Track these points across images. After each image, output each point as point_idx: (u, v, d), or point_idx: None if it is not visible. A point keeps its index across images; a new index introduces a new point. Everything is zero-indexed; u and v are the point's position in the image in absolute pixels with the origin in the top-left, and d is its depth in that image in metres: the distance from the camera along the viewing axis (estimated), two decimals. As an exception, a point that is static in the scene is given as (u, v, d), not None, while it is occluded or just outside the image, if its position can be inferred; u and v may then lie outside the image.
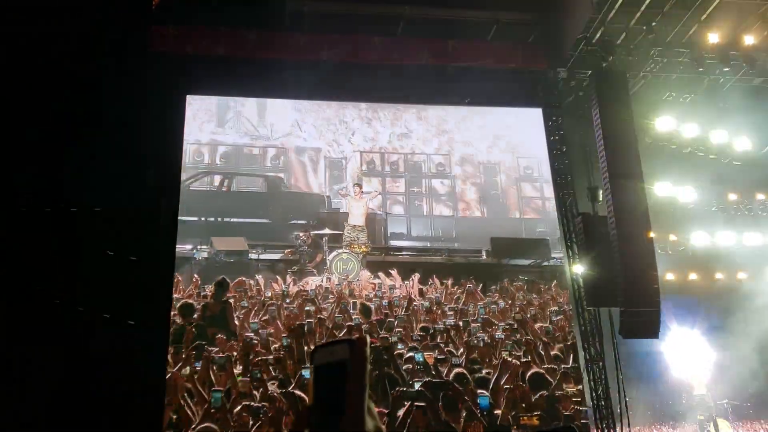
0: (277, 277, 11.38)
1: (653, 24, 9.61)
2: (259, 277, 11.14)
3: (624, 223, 9.16)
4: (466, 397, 7.79)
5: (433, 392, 7.50)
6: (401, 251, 14.03)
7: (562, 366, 9.56)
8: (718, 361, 11.09)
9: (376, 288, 11.39)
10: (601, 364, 9.55)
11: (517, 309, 10.85)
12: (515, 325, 10.30)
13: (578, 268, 9.81)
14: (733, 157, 11.12)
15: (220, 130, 14.51)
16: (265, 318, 10.05)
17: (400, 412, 7.52)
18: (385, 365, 8.17)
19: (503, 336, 9.85)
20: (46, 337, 8.02)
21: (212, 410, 7.82)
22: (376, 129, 15.34)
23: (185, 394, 8.22)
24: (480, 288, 11.63)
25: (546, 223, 13.32)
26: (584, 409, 9.15)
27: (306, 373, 8.41)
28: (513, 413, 8.02)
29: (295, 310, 10.29)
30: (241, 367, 8.89)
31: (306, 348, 9.09)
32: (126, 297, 8.31)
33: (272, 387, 8.31)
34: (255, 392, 8.43)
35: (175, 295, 9.77)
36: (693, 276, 11.90)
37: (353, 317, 9.99)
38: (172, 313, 9.34)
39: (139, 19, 9.69)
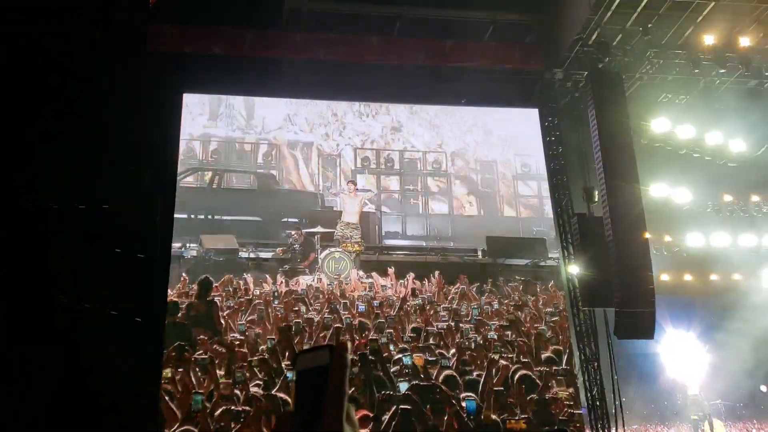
0: (267, 276, 11.11)
1: (649, 26, 9.64)
2: (247, 276, 10.89)
3: (619, 224, 9.18)
4: (453, 401, 7.62)
5: (420, 395, 7.34)
6: (395, 250, 13.85)
7: (554, 368, 9.43)
8: (712, 361, 11.15)
9: (368, 288, 11.17)
10: (596, 364, 9.58)
11: (511, 310, 10.69)
12: (508, 326, 10.17)
13: (574, 269, 9.85)
14: (728, 159, 11.18)
15: (212, 123, 14.32)
16: (251, 318, 9.79)
17: (386, 416, 7.34)
18: (373, 367, 8.00)
19: (496, 337, 9.71)
20: (39, 336, 7.99)
21: (193, 412, 7.63)
22: (368, 123, 15.21)
23: (166, 397, 8.05)
24: (475, 288, 11.54)
25: (543, 223, 13.08)
26: (578, 412, 9.07)
27: (291, 375, 8.27)
28: (502, 417, 7.88)
29: (282, 311, 10.05)
30: (224, 369, 8.62)
31: (294, 349, 8.90)
32: (121, 295, 8.29)
33: (255, 389, 8.10)
34: (239, 394, 8.18)
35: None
36: (688, 277, 11.96)
37: (344, 318, 9.76)
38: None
39: (137, 17, 9.69)
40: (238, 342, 8.96)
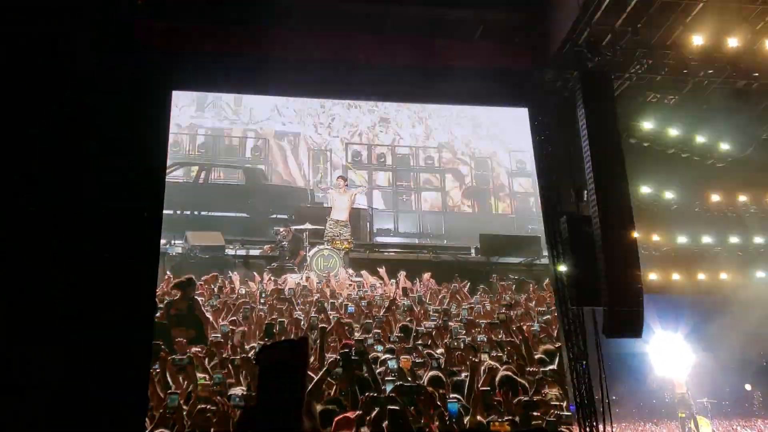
0: (255, 273, 10.85)
1: (638, 25, 9.67)
2: (232, 274, 10.60)
3: (608, 223, 9.20)
4: (439, 403, 7.53)
5: (404, 397, 7.25)
6: (386, 248, 13.64)
7: (543, 369, 9.23)
8: (699, 360, 11.22)
9: (356, 288, 10.95)
10: (584, 363, 9.61)
11: (503, 309, 10.51)
12: (498, 326, 9.97)
13: (562, 268, 9.87)
14: (716, 159, 11.24)
15: (199, 114, 14.08)
16: (234, 318, 9.55)
17: (369, 418, 7.23)
18: (357, 368, 7.88)
19: (485, 338, 9.59)
20: (30, 336, 7.92)
21: (168, 413, 7.37)
22: (356, 115, 15.06)
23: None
24: (467, 287, 11.34)
25: (538, 221, 13.15)
26: (568, 414, 9.03)
27: None
28: (488, 419, 7.79)
29: (267, 310, 9.84)
30: (204, 370, 8.23)
31: None
32: (108, 293, 8.23)
33: (236, 391, 7.77)
34: (219, 396, 7.75)
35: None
36: (676, 276, 12.01)
37: (330, 317, 9.59)
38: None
39: (125, 13, 9.61)
40: (219, 342, 8.73)
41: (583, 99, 9.69)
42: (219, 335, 8.92)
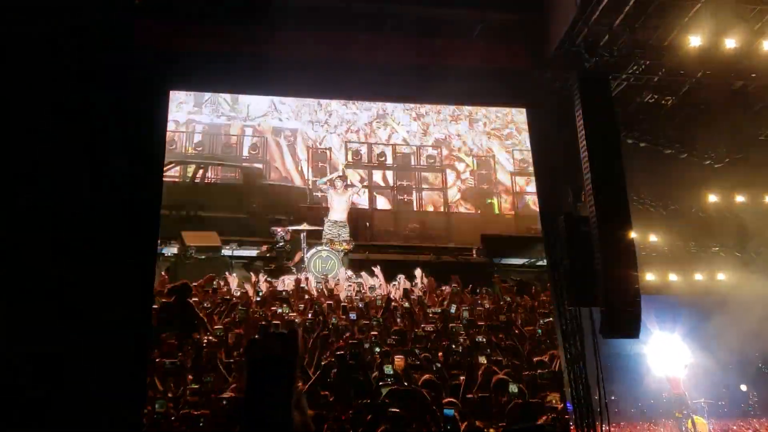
0: (251, 275, 10.63)
1: (636, 26, 9.68)
2: (229, 275, 10.40)
3: (605, 223, 9.20)
4: (434, 407, 7.43)
5: (399, 402, 7.16)
6: (387, 249, 13.43)
7: (540, 372, 9.25)
8: (696, 361, 11.24)
9: (355, 290, 10.78)
10: (581, 363, 9.60)
11: (504, 311, 10.44)
12: (498, 329, 9.93)
13: (560, 268, 9.86)
14: (713, 159, 11.26)
15: (196, 110, 13.90)
16: (227, 320, 9.38)
17: (363, 425, 7.12)
18: (353, 372, 7.78)
19: (484, 340, 9.50)
20: (26, 335, 7.89)
21: (155, 418, 7.28)
22: (354, 111, 14.92)
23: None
24: (468, 289, 11.17)
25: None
26: (565, 417, 8.98)
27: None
28: (485, 424, 7.69)
29: (262, 312, 9.64)
30: (195, 373, 8.15)
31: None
32: (105, 293, 8.19)
33: (228, 393, 7.59)
34: (208, 398, 7.61)
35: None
36: (673, 277, 12.02)
37: (330, 321, 9.40)
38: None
39: (123, 12, 9.60)
40: (212, 345, 8.58)
41: (581, 99, 9.69)
42: (212, 338, 8.75)
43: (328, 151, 14.79)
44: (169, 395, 7.56)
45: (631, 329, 9.13)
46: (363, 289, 10.89)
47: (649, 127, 10.98)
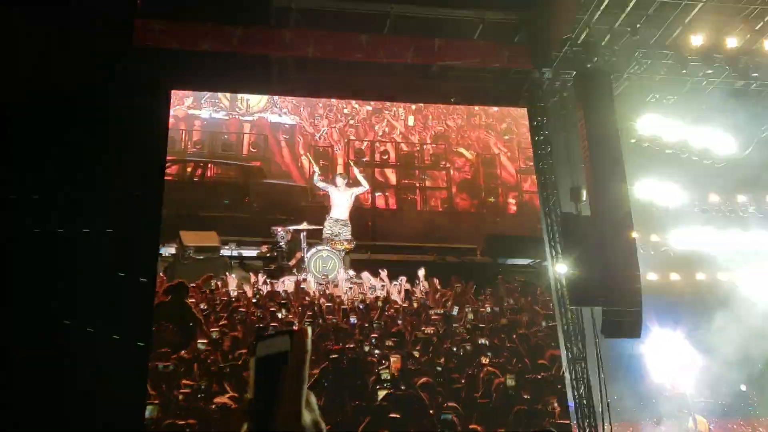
0: (251, 275, 10.39)
1: (638, 26, 9.67)
2: (228, 275, 10.19)
3: (606, 223, 9.21)
4: (431, 411, 7.33)
5: (396, 406, 7.07)
6: (389, 249, 13.17)
7: (545, 374, 9.16)
8: (697, 360, 11.24)
9: (357, 292, 10.51)
10: (583, 363, 9.61)
11: (508, 314, 10.30)
12: (500, 331, 9.79)
13: (561, 268, 9.86)
14: (714, 159, 11.24)
15: (195, 105, 13.73)
16: (224, 323, 9.14)
17: (360, 427, 7.04)
18: (348, 375, 7.67)
19: (486, 343, 9.35)
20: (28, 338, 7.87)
21: (145, 424, 7.22)
22: (352, 104, 14.69)
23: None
24: (472, 290, 10.85)
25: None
26: (564, 422, 8.92)
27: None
28: (482, 428, 7.57)
29: (260, 314, 9.45)
30: (190, 377, 8.03)
31: None
32: (108, 296, 8.18)
33: (221, 399, 7.61)
34: (201, 404, 7.58)
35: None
36: (674, 276, 12.00)
37: (328, 322, 9.27)
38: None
39: (124, 13, 9.59)
40: (208, 348, 8.40)
41: (582, 99, 9.71)
42: (207, 341, 8.55)
43: (330, 149, 14.64)
44: (155, 402, 7.49)
45: (633, 329, 9.15)
46: (363, 290, 10.66)
47: (651, 126, 10.96)
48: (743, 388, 11.57)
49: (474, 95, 11.01)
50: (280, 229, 11.27)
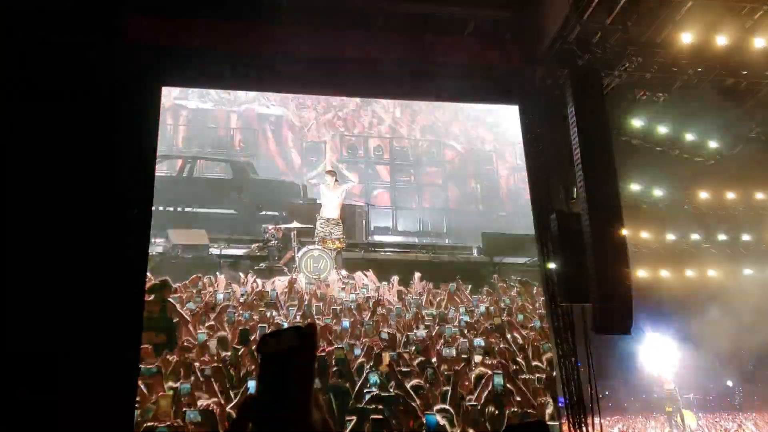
0: (240, 275, 10.21)
1: (628, 23, 9.68)
2: (217, 275, 9.98)
3: (597, 220, 9.23)
4: (419, 413, 7.25)
5: (383, 407, 6.99)
6: (383, 248, 12.98)
7: (537, 376, 9.09)
8: (686, 357, 11.32)
9: (348, 290, 10.42)
10: (573, 359, 9.64)
11: (504, 314, 10.20)
12: (495, 332, 9.72)
13: (552, 265, 9.89)
14: (704, 156, 11.30)
15: (183, 95, 13.48)
16: (210, 324, 8.97)
17: (347, 429, 6.96)
18: (336, 376, 7.59)
19: (482, 343, 9.25)
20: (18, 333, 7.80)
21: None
22: (340, 96, 14.46)
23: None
24: (468, 289, 10.85)
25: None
26: (555, 423, 8.92)
27: (251, 384, 7.31)
28: (474, 430, 7.50)
29: (245, 315, 9.27)
30: (174, 380, 7.85)
31: (253, 355, 7.91)
32: (95, 292, 8.13)
33: (206, 401, 7.42)
34: (187, 408, 7.37)
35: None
36: (664, 273, 12.06)
37: (318, 323, 9.04)
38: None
39: (114, 7, 9.52)
40: (193, 350, 8.22)
41: (573, 96, 9.70)
42: (193, 341, 8.37)
43: (323, 144, 14.46)
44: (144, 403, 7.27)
45: (624, 326, 9.18)
46: (355, 290, 10.52)
47: (641, 124, 11.00)
48: (729, 383, 11.69)
49: (465, 92, 10.98)
50: (271, 227, 11.14)
